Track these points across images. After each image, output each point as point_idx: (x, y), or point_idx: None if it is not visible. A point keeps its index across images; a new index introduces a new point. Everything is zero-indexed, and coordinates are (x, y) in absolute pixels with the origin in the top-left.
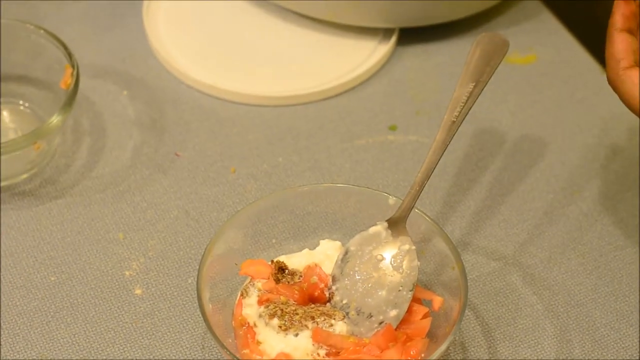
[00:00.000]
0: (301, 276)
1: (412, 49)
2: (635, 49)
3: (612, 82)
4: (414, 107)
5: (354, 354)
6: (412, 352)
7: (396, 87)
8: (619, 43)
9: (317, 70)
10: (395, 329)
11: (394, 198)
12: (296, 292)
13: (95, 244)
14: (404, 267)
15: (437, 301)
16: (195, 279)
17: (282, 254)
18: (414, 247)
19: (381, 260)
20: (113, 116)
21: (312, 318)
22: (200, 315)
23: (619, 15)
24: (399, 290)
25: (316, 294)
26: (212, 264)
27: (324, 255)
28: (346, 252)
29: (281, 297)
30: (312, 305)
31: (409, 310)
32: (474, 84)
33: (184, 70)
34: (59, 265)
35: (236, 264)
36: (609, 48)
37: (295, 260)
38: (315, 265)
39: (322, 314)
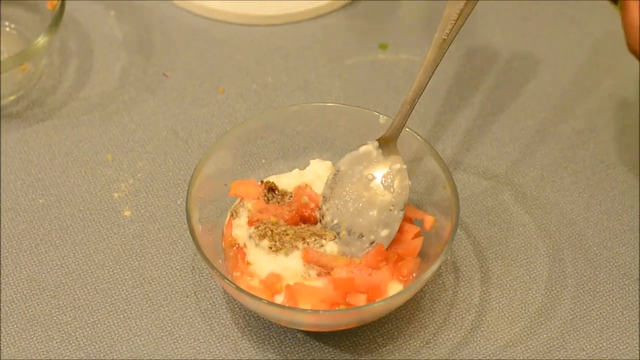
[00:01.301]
0: (291, 196)
1: None
2: None
3: (633, 50)
4: (405, 26)
5: (345, 275)
6: (403, 272)
7: (386, 6)
8: (635, 11)
9: None
10: (387, 249)
11: (385, 117)
12: (286, 212)
13: (84, 165)
14: (395, 186)
15: (429, 220)
16: (185, 200)
17: (272, 174)
18: (404, 167)
19: (372, 180)
20: (100, 37)
21: (303, 239)
22: (190, 237)
23: None
24: (390, 210)
25: (307, 214)
26: (201, 185)
27: (314, 175)
28: (337, 172)
29: (271, 217)
30: (303, 226)
31: (400, 230)
32: (465, 1)
33: None
34: (47, 188)
35: (226, 185)
36: (626, 17)
37: (285, 181)
38: (306, 185)
39: (313, 234)
